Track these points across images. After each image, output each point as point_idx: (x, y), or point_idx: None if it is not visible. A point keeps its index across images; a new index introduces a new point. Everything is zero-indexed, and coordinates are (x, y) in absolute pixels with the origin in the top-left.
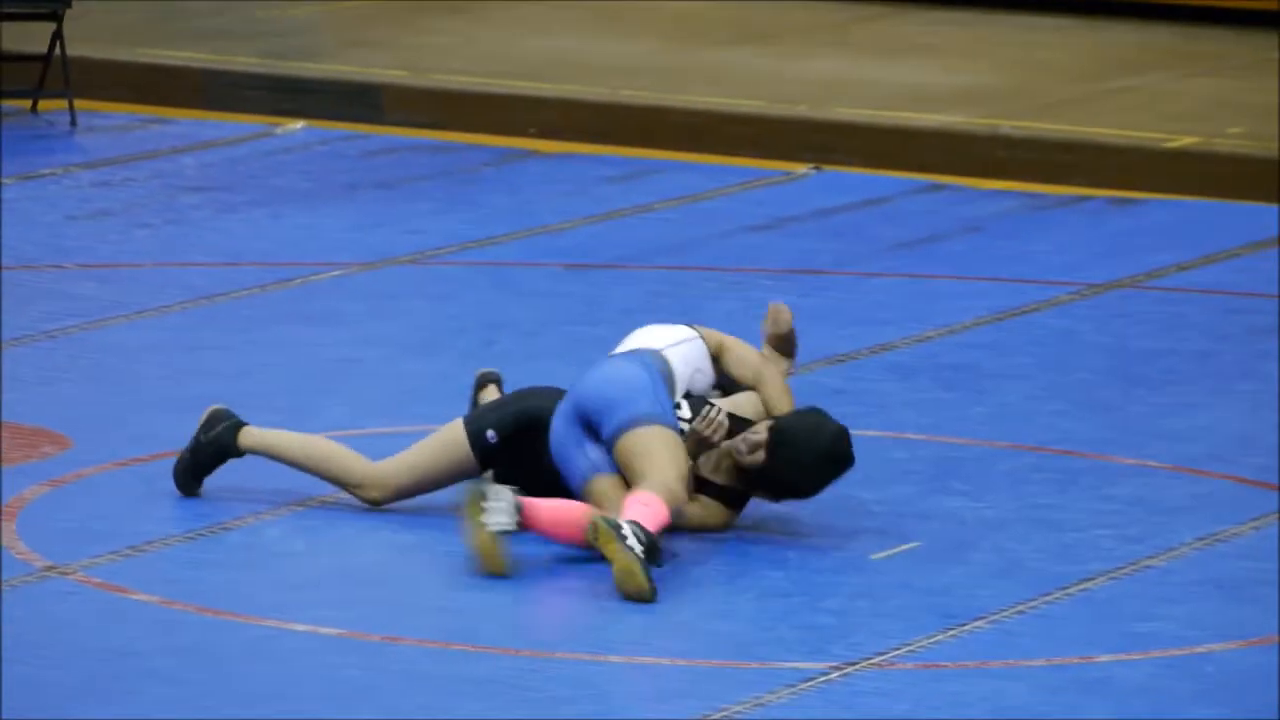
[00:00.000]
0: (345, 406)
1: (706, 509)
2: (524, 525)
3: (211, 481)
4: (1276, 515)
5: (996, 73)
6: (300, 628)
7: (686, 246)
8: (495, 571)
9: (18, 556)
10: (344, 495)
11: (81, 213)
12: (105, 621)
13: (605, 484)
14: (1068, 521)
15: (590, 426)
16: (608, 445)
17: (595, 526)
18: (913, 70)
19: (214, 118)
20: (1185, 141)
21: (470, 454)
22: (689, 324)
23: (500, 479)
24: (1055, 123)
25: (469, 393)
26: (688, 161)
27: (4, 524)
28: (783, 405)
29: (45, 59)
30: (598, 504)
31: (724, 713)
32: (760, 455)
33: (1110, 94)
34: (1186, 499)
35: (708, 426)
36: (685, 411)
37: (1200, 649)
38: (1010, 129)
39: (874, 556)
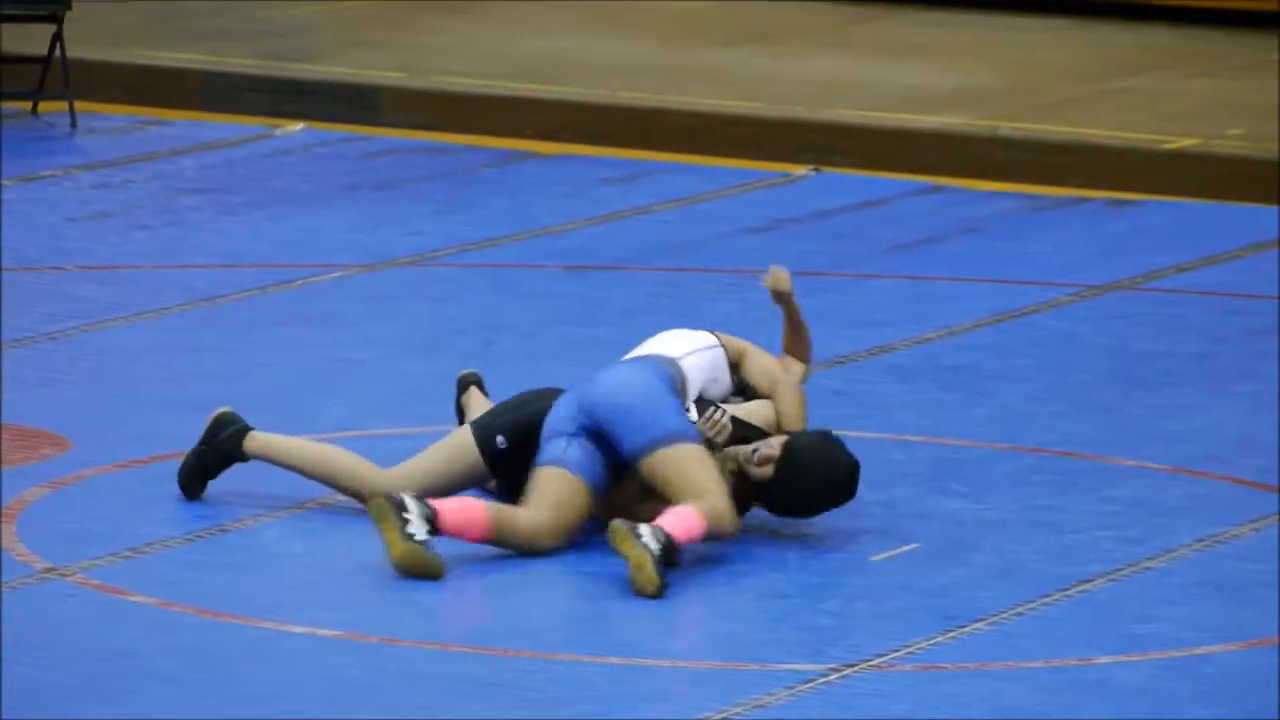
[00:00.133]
0: (345, 408)
1: None
2: (438, 530)
3: (211, 484)
4: (1276, 517)
5: (995, 74)
6: (299, 629)
7: (686, 248)
8: (431, 576)
9: (17, 558)
10: (342, 497)
11: (81, 214)
12: (105, 623)
13: (557, 481)
14: (1067, 523)
15: (592, 430)
16: (631, 458)
17: (613, 530)
18: (911, 71)
19: (213, 119)
20: (1184, 143)
21: (480, 460)
22: (711, 330)
23: (509, 485)
24: (1054, 124)
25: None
26: (687, 163)
27: (4, 526)
28: (795, 419)
29: (45, 61)
30: (535, 489)
31: (723, 714)
32: (768, 470)
33: (1109, 95)
34: (1186, 500)
35: (711, 428)
36: (692, 414)
37: (1200, 650)
38: (1009, 130)
39: (873, 558)
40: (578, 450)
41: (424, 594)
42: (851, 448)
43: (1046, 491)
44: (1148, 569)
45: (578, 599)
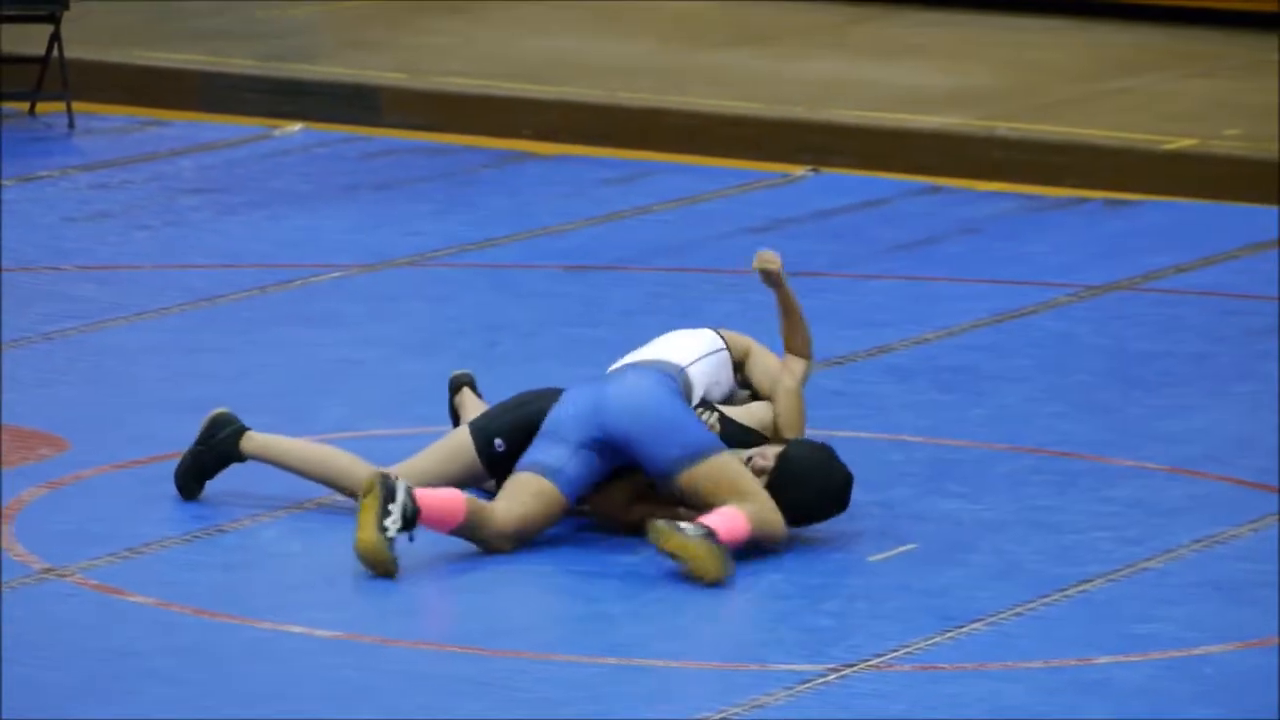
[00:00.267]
0: (344, 408)
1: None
2: (414, 526)
3: (209, 484)
4: (1275, 517)
5: (993, 74)
6: (297, 629)
7: (685, 248)
8: (383, 573)
9: (16, 558)
10: (340, 498)
11: (80, 215)
12: (103, 623)
13: (533, 488)
14: (1066, 523)
15: (602, 442)
16: (662, 475)
17: (657, 530)
18: (910, 72)
19: (212, 120)
20: (1182, 143)
21: (477, 461)
22: (717, 330)
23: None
24: (1052, 124)
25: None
26: (686, 163)
27: (2, 526)
28: (792, 426)
29: (43, 61)
30: (510, 491)
31: (721, 714)
32: (762, 480)
33: (1107, 95)
34: (1185, 500)
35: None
36: None
37: (1199, 650)
38: (1007, 130)
39: (872, 558)
40: (578, 463)
41: (421, 595)
42: (850, 448)
43: (1045, 492)
44: (1146, 569)
45: (576, 599)
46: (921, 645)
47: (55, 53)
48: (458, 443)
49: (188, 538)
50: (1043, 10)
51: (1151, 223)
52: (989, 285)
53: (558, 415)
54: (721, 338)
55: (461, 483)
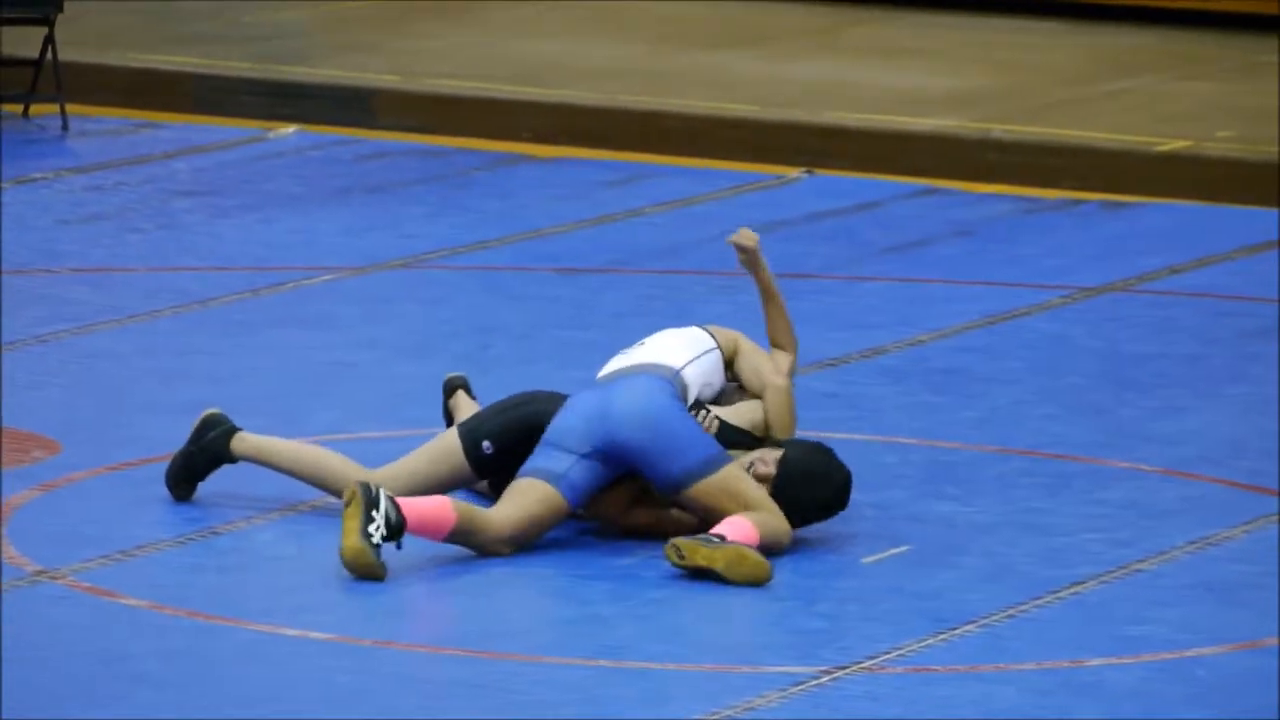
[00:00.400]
0: (337, 410)
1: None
2: (399, 535)
3: (202, 486)
4: (1270, 519)
5: (988, 76)
6: (291, 632)
7: (678, 250)
8: (371, 577)
9: (8, 561)
10: (335, 500)
11: (73, 217)
12: (96, 625)
13: (536, 494)
14: (1058, 525)
15: (608, 452)
16: (670, 487)
17: (679, 546)
18: (905, 74)
19: (205, 122)
20: (1177, 145)
21: (465, 464)
22: (704, 327)
23: (495, 488)
24: (1047, 126)
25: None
26: (680, 166)
27: None
28: (784, 427)
29: (36, 63)
30: (512, 496)
31: (714, 716)
32: (766, 488)
33: (1102, 97)
34: (1177, 502)
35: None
36: None
37: (1191, 652)
38: (1001, 132)
39: (864, 560)
40: (582, 469)
41: (415, 597)
42: (843, 450)
43: (1038, 494)
44: (1139, 571)
45: (570, 602)
46: (914, 647)
47: (49, 55)
48: (446, 445)
49: (181, 540)
50: (1037, 12)
51: (1146, 224)
52: (983, 287)
53: (562, 424)
54: (711, 335)
55: (450, 484)
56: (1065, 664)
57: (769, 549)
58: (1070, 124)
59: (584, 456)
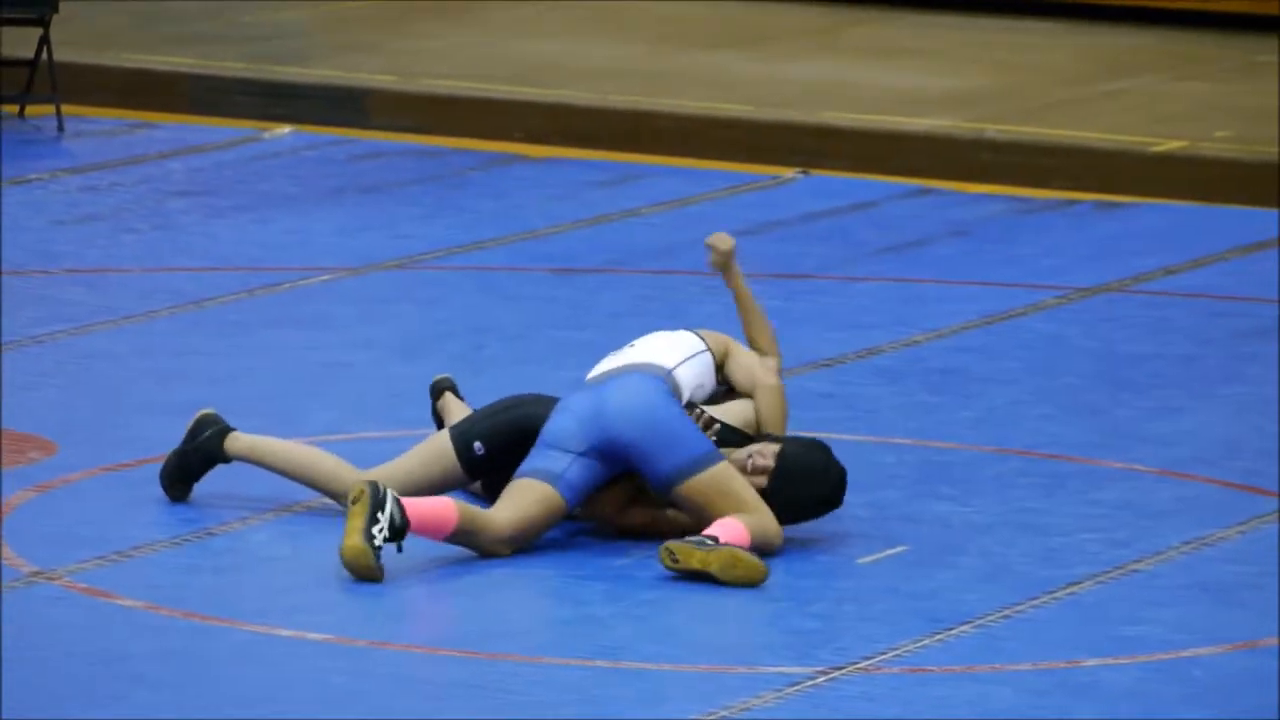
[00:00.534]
0: (333, 411)
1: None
2: (402, 537)
3: (198, 486)
4: (1265, 519)
5: (984, 76)
6: (287, 633)
7: (673, 250)
8: (369, 579)
9: (5, 562)
10: (330, 501)
11: (69, 218)
12: (92, 627)
13: (534, 494)
14: (1054, 525)
15: (604, 450)
16: (663, 484)
17: (673, 550)
18: (900, 74)
19: (201, 122)
20: (1172, 145)
21: (457, 465)
22: (694, 331)
23: (488, 489)
24: (1042, 126)
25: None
26: (675, 166)
27: None
28: (775, 423)
29: (32, 64)
30: (510, 496)
31: (710, 716)
32: (763, 480)
33: (1097, 98)
34: (1173, 503)
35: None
36: None
37: (1188, 653)
38: (997, 133)
39: (860, 561)
40: (580, 468)
41: (412, 598)
42: (839, 450)
43: (1034, 494)
44: (1135, 571)
45: (566, 602)
46: (910, 648)
47: (44, 55)
48: (438, 446)
49: (177, 541)
50: (1034, 12)
51: (1141, 225)
52: (978, 287)
53: (557, 424)
54: (701, 339)
55: (443, 485)
56: (1061, 664)
57: (760, 550)
58: (1068, 124)
59: (581, 455)
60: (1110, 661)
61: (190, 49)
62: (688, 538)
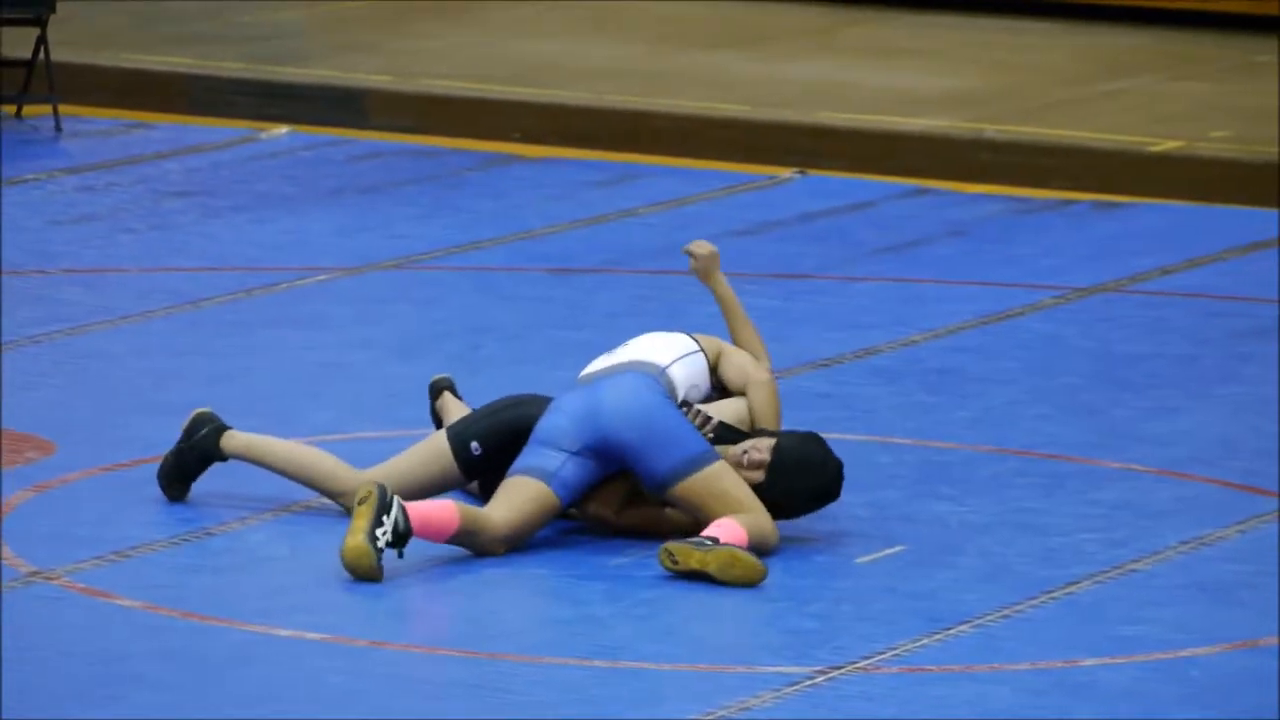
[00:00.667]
0: (330, 410)
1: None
2: (404, 542)
3: (196, 486)
4: (1266, 518)
5: (982, 76)
6: (285, 633)
7: (671, 250)
8: (368, 579)
9: (3, 562)
10: (328, 500)
11: (66, 218)
12: (91, 627)
13: (528, 491)
14: (1053, 525)
15: (599, 449)
16: (659, 483)
17: (672, 551)
18: (898, 74)
19: (198, 122)
20: (1170, 145)
21: (455, 465)
22: (688, 334)
23: (485, 489)
24: (1040, 126)
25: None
26: (673, 166)
27: None
28: (769, 420)
29: (29, 64)
30: (504, 494)
31: (709, 716)
32: (759, 475)
33: (1099, 97)
34: (1171, 503)
35: (700, 429)
36: None
37: (1185, 652)
38: (995, 133)
39: (859, 561)
40: (574, 467)
41: (410, 598)
42: (837, 450)
43: (1032, 494)
44: (1133, 571)
45: (565, 602)
46: (908, 647)
47: (42, 55)
48: (435, 447)
49: (175, 540)
50: (1035, 13)
51: (1139, 225)
52: (976, 287)
53: (551, 422)
54: (695, 341)
55: (440, 485)
56: (1060, 664)
57: (757, 550)
58: (1066, 124)
59: (575, 454)
60: (1108, 661)
61: (188, 49)
62: (687, 539)
